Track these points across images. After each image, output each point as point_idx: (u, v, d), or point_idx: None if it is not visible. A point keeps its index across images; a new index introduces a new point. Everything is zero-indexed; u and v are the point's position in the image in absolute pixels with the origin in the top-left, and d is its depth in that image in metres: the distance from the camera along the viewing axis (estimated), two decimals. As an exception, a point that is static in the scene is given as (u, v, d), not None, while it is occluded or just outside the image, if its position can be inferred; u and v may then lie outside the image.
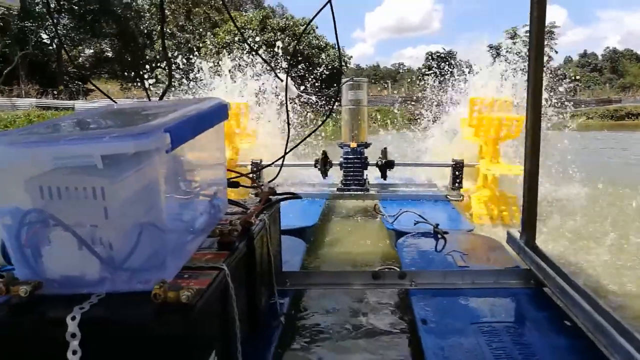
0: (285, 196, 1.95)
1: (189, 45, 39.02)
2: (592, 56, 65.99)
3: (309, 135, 2.48)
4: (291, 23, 34.64)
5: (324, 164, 4.10)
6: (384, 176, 4.13)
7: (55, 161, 1.04)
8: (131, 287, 1.12)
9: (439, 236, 2.76)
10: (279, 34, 34.10)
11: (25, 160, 1.05)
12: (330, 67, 31.12)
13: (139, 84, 40.05)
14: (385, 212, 3.54)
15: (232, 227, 1.50)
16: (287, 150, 2.27)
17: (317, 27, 38.81)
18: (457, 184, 4.14)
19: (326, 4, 2.11)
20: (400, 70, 72.61)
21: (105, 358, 1.01)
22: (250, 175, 2.99)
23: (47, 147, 1.03)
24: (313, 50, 32.75)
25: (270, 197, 1.98)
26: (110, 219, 1.10)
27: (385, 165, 4.06)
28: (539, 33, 2.11)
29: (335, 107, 2.31)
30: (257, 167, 4.10)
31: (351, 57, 39.19)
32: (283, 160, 2.26)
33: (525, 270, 2.13)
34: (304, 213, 3.60)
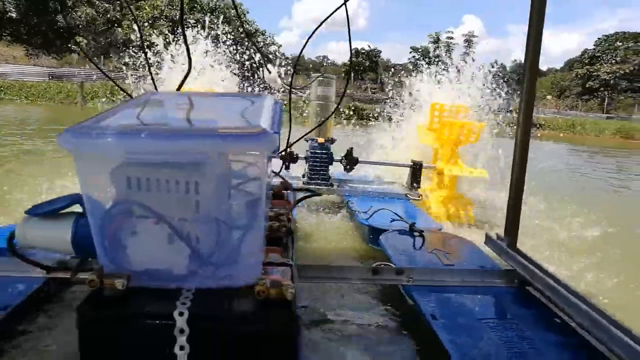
0: (309, 194, 1.99)
1: (108, 16, 36.85)
2: (502, 67, 70.59)
3: (311, 131, 2.52)
4: (222, 4, 33.86)
5: (289, 157, 4.14)
6: (349, 171, 4.26)
7: (172, 156, 1.03)
8: (218, 282, 1.13)
9: (416, 234, 2.91)
10: (209, 14, 33.20)
11: (141, 153, 1.02)
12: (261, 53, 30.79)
13: (49, 51, 37.17)
14: (357, 209, 3.65)
15: (280, 223, 1.53)
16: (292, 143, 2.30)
17: (248, 12, 38.19)
18: (415, 184, 4.35)
19: (342, 5, 2.17)
20: (325, 64, 73.24)
21: (210, 354, 1.02)
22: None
23: (169, 141, 1.01)
24: (242, 35, 32.28)
25: (285, 191, 2.01)
26: (201, 214, 1.10)
27: (350, 162, 4.18)
28: (535, 49, 2.30)
29: (339, 106, 2.36)
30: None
31: (280, 45, 39.00)
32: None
33: (508, 271, 2.33)
34: None
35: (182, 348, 0.99)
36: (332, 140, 4.30)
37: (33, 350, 1.61)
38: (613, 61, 47.43)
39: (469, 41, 52.26)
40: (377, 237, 3.20)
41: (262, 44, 36.80)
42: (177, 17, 33.11)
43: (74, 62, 34.79)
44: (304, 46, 2.27)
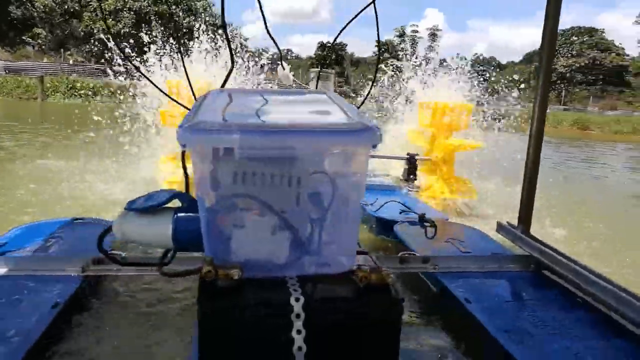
0: None
1: (66, 6, 35.64)
2: (463, 60, 72.00)
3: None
4: (187, -4, 33.38)
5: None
6: None
7: (283, 151, 1.09)
8: (318, 270, 1.20)
9: (427, 224, 3.02)
10: (173, 7, 32.62)
11: (257, 149, 1.08)
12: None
13: (2, 44, 35.56)
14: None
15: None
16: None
17: (213, 5, 37.63)
18: (412, 176, 4.48)
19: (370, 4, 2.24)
20: (289, 57, 72.93)
21: (322, 336, 1.09)
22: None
23: (286, 137, 1.07)
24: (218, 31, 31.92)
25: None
26: (302, 206, 1.17)
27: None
28: (550, 42, 2.45)
29: (367, 97, 2.43)
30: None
31: (247, 39, 38.52)
32: None
33: (524, 256, 2.47)
34: None
35: (299, 332, 1.06)
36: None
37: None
38: (569, 55, 49.14)
39: (434, 35, 53.07)
40: (387, 229, 3.30)
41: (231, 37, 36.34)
42: (141, 7, 32.35)
43: (31, 56, 33.52)
44: (332, 42, 2.32)
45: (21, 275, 2.00)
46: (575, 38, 50.17)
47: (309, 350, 1.06)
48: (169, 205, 1.26)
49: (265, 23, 2.41)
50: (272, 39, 2.64)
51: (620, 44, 53.12)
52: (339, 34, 2.43)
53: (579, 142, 20.36)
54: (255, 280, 1.13)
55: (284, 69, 3.27)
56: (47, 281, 1.97)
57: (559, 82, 48.62)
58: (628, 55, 50.94)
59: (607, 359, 1.63)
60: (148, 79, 2.28)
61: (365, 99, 2.45)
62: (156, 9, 34.90)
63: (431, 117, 4.55)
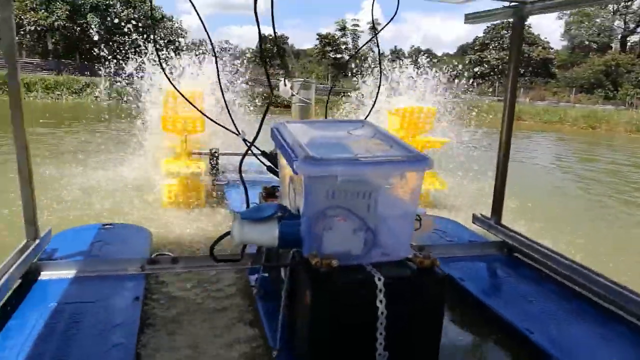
0: None
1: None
2: (400, 52, 73.94)
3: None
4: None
5: (277, 154, 4.59)
6: None
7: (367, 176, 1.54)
8: (385, 258, 1.66)
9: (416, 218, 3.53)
10: None
11: (349, 175, 1.52)
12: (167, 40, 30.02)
13: None
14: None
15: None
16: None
17: (151, -4, 36.70)
18: None
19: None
20: (227, 48, 71.96)
21: (396, 303, 1.54)
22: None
23: (372, 167, 1.52)
24: (149, 21, 31.15)
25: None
26: (377, 214, 1.62)
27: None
28: (518, 45, 2.98)
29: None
30: (215, 155, 4.42)
31: (187, 31, 37.94)
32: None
33: (498, 242, 3.02)
34: None
35: (381, 302, 1.51)
36: (314, 138, 4.79)
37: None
38: (500, 48, 51.62)
39: (374, 28, 54.08)
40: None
41: (169, 30, 35.53)
42: None
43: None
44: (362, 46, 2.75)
45: (92, 276, 2.33)
46: (505, 32, 52.74)
47: (388, 313, 1.51)
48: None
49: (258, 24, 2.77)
50: (266, 44, 3.02)
51: (546, 38, 56.32)
52: (354, 53, 2.86)
53: (517, 131, 21.70)
54: (342, 267, 1.56)
55: (285, 85, 3.69)
56: (115, 279, 2.32)
57: (491, 74, 51.00)
58: (552, 49, 54.10)
59: (568, 316, 2.18)
60: (178, 90, 2.60)
61: (372, 108, 2.95)
62: (92, 0, 33.69)
63: (400, 121, 5.05)
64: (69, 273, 2.33)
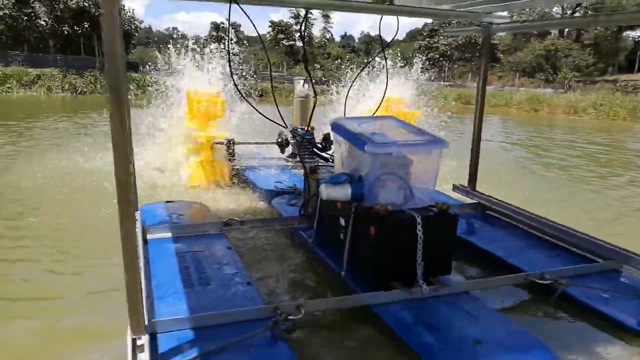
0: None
1: None
2: (351, 38, 75.03)
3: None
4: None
5: (285, 143, 5.43)
6: (326, 150, 5.61)
7: (408, 153, 2.45)
8: (416, 204, 2.58)
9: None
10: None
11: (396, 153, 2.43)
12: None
13: None
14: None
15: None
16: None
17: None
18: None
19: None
20: (175, 35, 70.85)
21: (428, 231, 2.45)
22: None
23: (413, 147, 2.43)
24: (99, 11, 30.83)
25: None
26: (412, 176, 2.54)
27: (328, 143, 5.54)
28: (487, 55, 3.94)
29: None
30: (231, 143, 5.23)
31: (142, 21, 37.47)
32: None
33: (474, 204, 4.01)
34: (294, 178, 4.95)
35: (419, 230, 2.42)
36: (313, 128, 5.63)
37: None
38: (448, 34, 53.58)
39: (327, 16, 54.94)
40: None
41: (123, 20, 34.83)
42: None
43: None
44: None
45: (188, 235, 3.13)
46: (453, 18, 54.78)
47: (423, 237, 2.43)
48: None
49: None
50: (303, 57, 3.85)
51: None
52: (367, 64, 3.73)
53: (466, 115, 23.09)
54: (393, 211, 2.46)
55: (303, 87, 4.52)
56: (206, 237, 3.13)
57: (440, 59, 52.88)
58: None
59: (526, 246, 3.19)
60: (244, 97, 3.42)
61: (380, 103, 3.84)
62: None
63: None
64: (168, 235, 3.13)
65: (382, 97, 3.84)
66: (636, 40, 44.69)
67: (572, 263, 2.94)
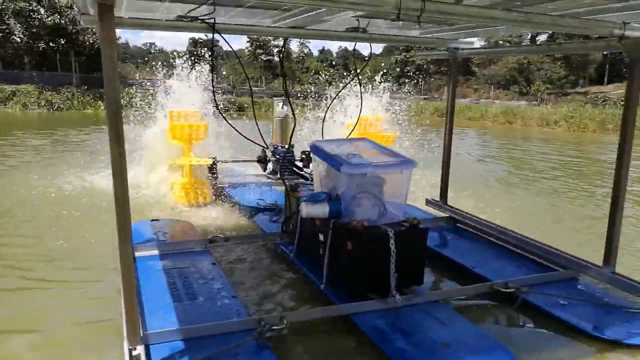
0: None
1: None
2: (329, 52, 75.73)
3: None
4: None
5: (266, 160, 5.63)
6: (307, 166, 5.78)
7: (381, 174, 2.67)
8: (390, 220, 2.79)
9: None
10: (34, 3, 31.05)
11: (369, 173, 2.64)
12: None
13: None
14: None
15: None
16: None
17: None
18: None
19: None
20: (152, 51, 70.62)
21: (401, 244, 2.66)
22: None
23: (388, 168, 2.65)
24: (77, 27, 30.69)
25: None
26: (385, 194, 2.76)
27: (308, 160, 5.72)
28: (455, 74, 4.21)
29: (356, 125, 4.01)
30: (214, 163, 5.39)
31: (119, 37, 37.27)
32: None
33: (446, 217, 4.24)
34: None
35: (392, 244, 2.63)
36: (292, 146, 5.82)
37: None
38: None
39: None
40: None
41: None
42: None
43: None
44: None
45: (173, 252, 3.29)
46: (429, 33, 55.88)
47: (396, 250, 2.63)
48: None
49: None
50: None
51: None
52: (358, 74, 3.95)
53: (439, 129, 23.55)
54: (368, 226, 2.67)
55: (282, 108, 4.74)
56: (192, 254, 3.29)
57: (417, 73, 53.82)
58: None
59: (492, 256, 3.42)
60: (226, 119, 3.59)
61: (354, 126, 4.06)
62: (12, 5, 32.50)
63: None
64: (155, 252, 3.28)
65: (356, 120, 4.06)
66: (604, 54, 46.15)
67: (535, 272, 3.18)
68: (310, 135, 6.38)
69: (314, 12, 2.61)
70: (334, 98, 4.82)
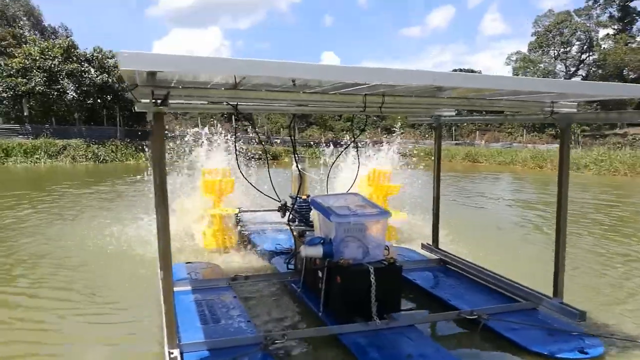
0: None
1: (-35, 61, 34.93)
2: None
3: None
4: (100, 55, 34.14)
5: (285, 209, 6.43)
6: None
7: (363, 221, 3.41)
8: (372, 259, 3.50)
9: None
10: (85, 64, 33.33)
11: (354, 221, 3.38)
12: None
13: None
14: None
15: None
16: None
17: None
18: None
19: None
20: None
21: (379, 279, 3.34)
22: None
23: (369, 218, 3.39)
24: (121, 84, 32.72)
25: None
26: (367, 239, 3.48)
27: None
28: (439, 138, 4.93)
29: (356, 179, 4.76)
30: (239, 213, 6.23)
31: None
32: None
33: (437, 259, 4.88)
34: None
35: (372, 278, 3.32)
36: (308, 196, 6.60)
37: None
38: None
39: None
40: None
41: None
42: (51, 66, 32.38)
43: None
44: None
45: (204, 288, 4.05)
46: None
47: (376, 283, 3.31)
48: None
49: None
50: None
51: (496, 83, 60.44)
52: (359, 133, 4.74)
53: (479, 173, 23.98)
54: (353, 264, 3.37)
55: (297, 167, 5.54)
56: (217, 289, 4.04)
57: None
58: (503, 93, 58.25)
59: (474, 293, 4.04)
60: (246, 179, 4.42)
61: (354, 182, 4.81)
62: (66, 66, 35.03)
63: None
64: (188, 288, 4.05)
65: (354, 179, 4.82)
66: None
67: (501, 303, 3.79)
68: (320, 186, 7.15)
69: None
70: (334, 161, 5.63)
